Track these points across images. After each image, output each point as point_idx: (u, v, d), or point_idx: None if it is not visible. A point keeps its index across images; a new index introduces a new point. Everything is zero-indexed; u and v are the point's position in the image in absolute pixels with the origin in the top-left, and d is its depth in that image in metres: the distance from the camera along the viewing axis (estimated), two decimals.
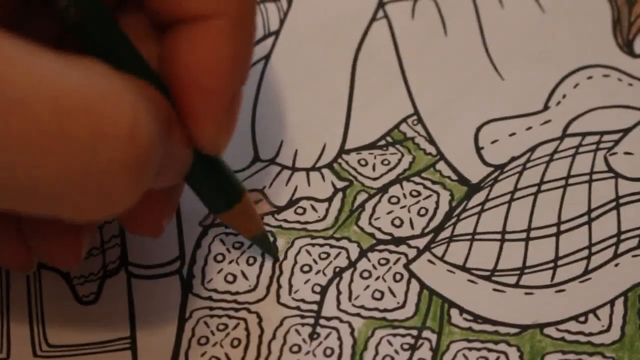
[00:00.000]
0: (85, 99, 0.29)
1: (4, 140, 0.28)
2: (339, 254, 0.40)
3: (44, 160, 0.28)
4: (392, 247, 0.40)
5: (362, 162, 0.42)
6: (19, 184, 0.29)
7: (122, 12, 0.35)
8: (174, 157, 0.33)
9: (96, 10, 0.31)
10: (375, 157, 0.42)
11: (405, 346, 0.38)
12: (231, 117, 0.35)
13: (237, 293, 0.39)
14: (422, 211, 0.41)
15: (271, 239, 0.40)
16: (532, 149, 0.42)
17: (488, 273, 0.39)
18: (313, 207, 0.41)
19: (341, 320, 0.38)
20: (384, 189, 0.42)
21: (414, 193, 0.41)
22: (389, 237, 0.40)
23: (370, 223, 0.41)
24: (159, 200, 0.36)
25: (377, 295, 0.39)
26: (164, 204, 0.37)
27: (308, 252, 0.40)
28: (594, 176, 0.41)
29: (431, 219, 0.41)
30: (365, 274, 0.39)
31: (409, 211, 0.41)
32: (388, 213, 0.41)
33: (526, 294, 0.39)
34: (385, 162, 0.42)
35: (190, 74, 0.33)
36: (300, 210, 0.41)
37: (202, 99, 0.33)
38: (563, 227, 0.40)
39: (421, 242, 0.40)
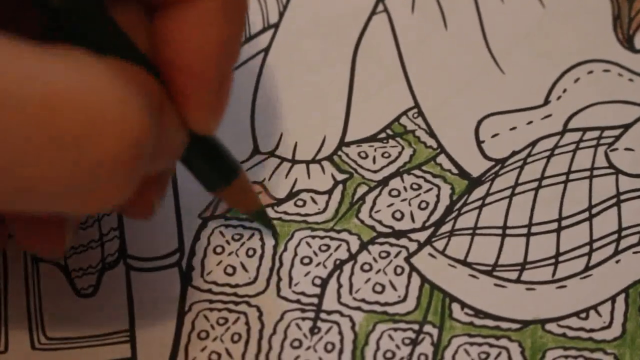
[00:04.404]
0: (72, 94, 0.28)
1: None
2: (339, 246, 0.40)
3: (38, 158, 0.28)
4: (392, 240, 0.40)
5: (363, 155, 0.42)
6: (17, 184, 0.28)
7: None
8: (168, 140, 0.33)
9: None
10: (375, 150, 0.42)
11: (407, 341, 0.37)
12: (221, 99, 0.35)
13: (237, 286, 0.39)
14: (423, 204, 0.41)
15: None
16: (533, 144, 0.42)
17: (489, 268, 0.39)
18: (313, 200, 0.41)
19: (342, 314, 0.38)
20: (384, 182, 0.41)
21: (415, 186, 0.41)
22: (389, 230, 0.40)
23: (370, 216, 0.40)
24: (150, 183, 0.35)
25: (378, 288, 0.39)
26: (156, 185, 0.36)
27: (308, 244, 0.40)
28: (595, 172, 0.41)
29: (432, 213, 0.41)
30: (366, 267, 0.39)
31: (409, 204, 0.41)
32: (389, 206, 0.41)
33: (527, 289, 0.39)
34: (386, 154, 0.42)
35: (180, 56, 0.33)
36: (300, 203, 0.41)
37: (192, 80, 0.33)
38: (564, 223, 0.40)
39: (422, 236, 0.40)
